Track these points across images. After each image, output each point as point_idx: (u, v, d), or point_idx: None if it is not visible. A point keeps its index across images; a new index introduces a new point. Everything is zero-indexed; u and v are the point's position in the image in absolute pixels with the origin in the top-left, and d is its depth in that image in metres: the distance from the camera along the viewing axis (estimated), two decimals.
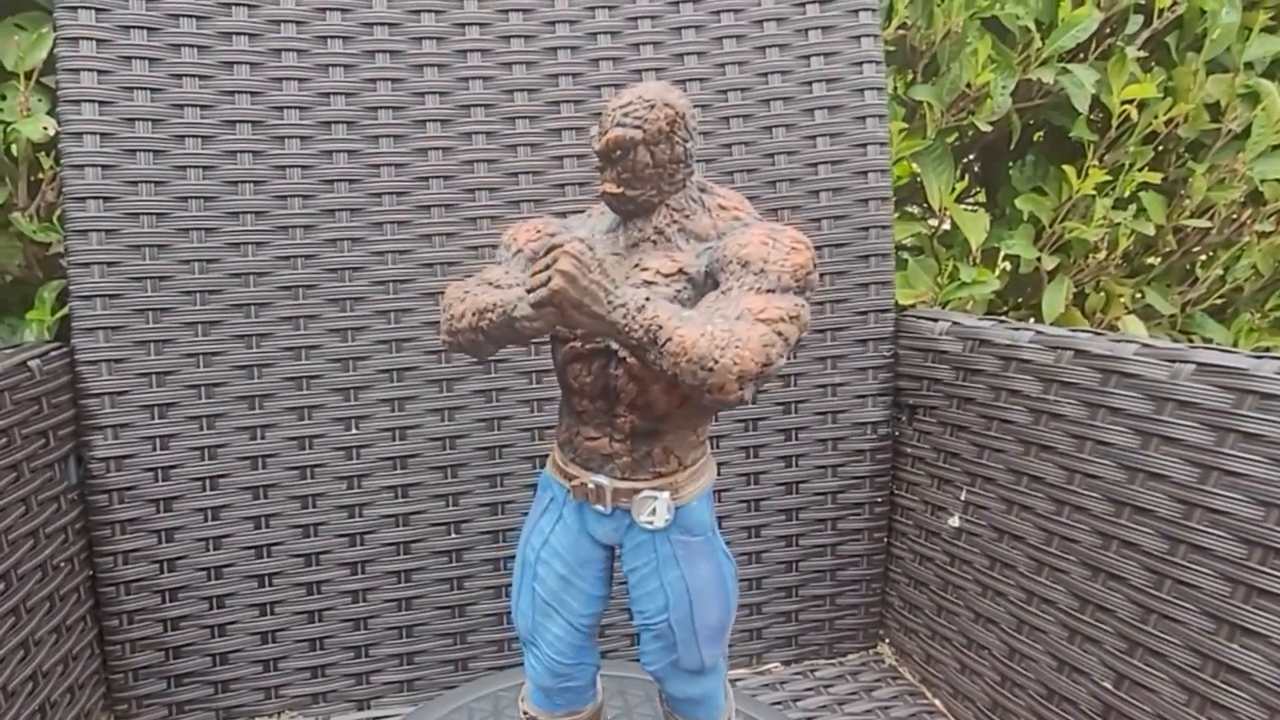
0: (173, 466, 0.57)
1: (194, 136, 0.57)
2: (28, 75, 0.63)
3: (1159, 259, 0.96)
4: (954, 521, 0.58)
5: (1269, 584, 0.39)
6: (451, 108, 0.60)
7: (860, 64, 0.64)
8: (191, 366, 0.57)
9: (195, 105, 0.57)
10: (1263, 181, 0.89)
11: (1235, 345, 0.95)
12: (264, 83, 0.58)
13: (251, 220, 0.58)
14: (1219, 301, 0.98)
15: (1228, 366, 0.42)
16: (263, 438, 0.58)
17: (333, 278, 0.59)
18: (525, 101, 0.61)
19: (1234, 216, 0.92)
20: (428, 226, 0.60)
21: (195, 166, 0.57)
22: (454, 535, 0.61)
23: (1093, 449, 0.48)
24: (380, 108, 0.59)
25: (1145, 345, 0.47)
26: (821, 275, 0.63)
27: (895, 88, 0.83)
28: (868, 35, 0.64)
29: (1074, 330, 0.52)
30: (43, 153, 0.66)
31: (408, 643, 0.61)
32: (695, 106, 0.62)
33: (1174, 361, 0.44)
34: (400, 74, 0.60)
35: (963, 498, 0.58)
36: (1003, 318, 0.60)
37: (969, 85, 0.81)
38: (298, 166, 0.58)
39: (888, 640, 0.67)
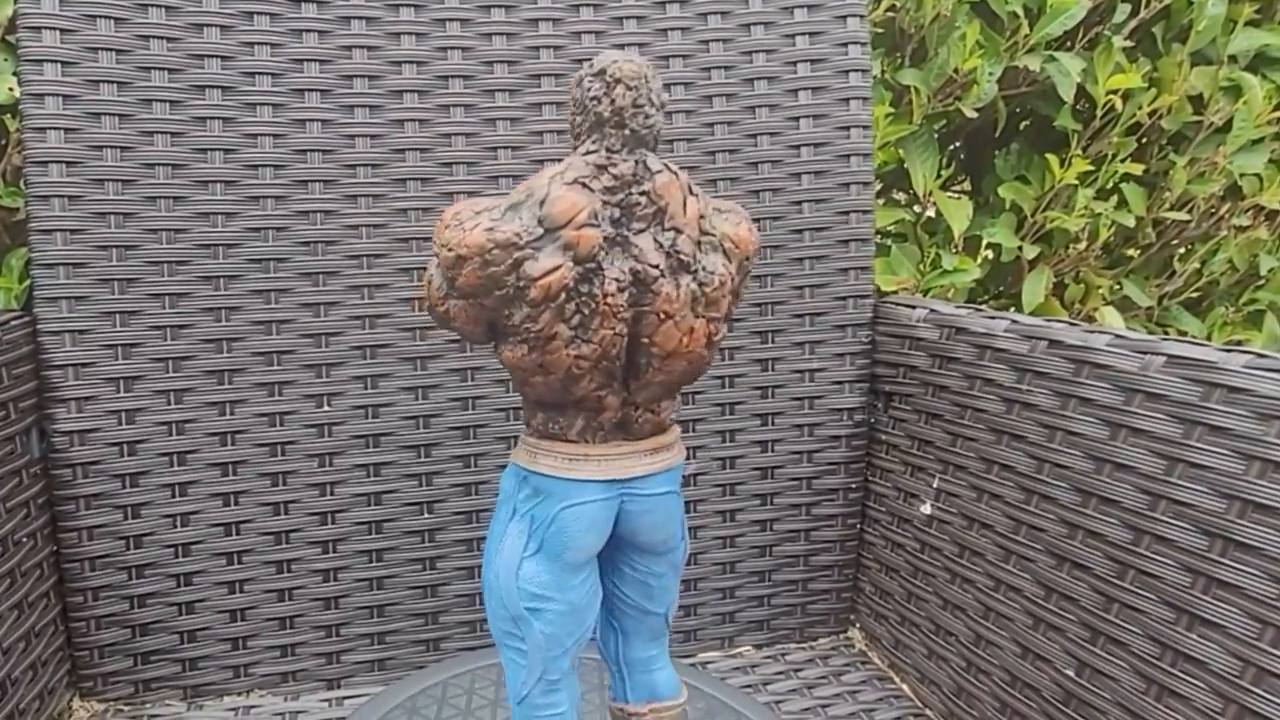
0: (139, 441, 0.56)
1: (161, 101, 0.55)
2: None
3: (1138, 251, 0.97)
4: (926, 509, 0.59)
5: (1228, 575, 0.40)
6: (429, 78, 0.59)
7: (846, 45, 0.63)
8: (158, 339, 0.56)
9: (163, 68, 0.55)
10: (1241, 175, 0.90)
11: (1209, 338, 0.96)
12: (235, 47, 0.56)
13: (221, 189, 0.56)
14: (1195, 295, 0.99)
15: (1197, 359, 0.42)
16: (232, 413, 0.57)
17: (305, 251, 0.58)
18: (505, 74, 0.60)
19: (1212, 210, 0.93)
20: (403, 200, 0.59)
21: (163, 132, 0.55)
22: (427, 515, 0.60)
23: (1063, 439, 0.48)
24: (356, 76, 0.58)
25: (1117, 336, 0.47)
26: (801, 259, 0.63)
27: (882, 71, 0.83)
28: (854, 15, 0.63)
29: (1049, 320, 0.52)
30: (9, 114, 0.64)
31: (379, 622, 0.60)
32: (678, 84, 0.61)
33: (1145, 353, 0.45)
34: (376, 41, 0.58)
35: (935, 485, 0.58)
36: (981, 306, 0.60)
37: (956, 71, 0.80)
38: (269, 135, 0.57)
39: (858, 625, 0.67)
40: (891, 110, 0.81)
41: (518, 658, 0.36)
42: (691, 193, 0.34)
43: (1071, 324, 0.50)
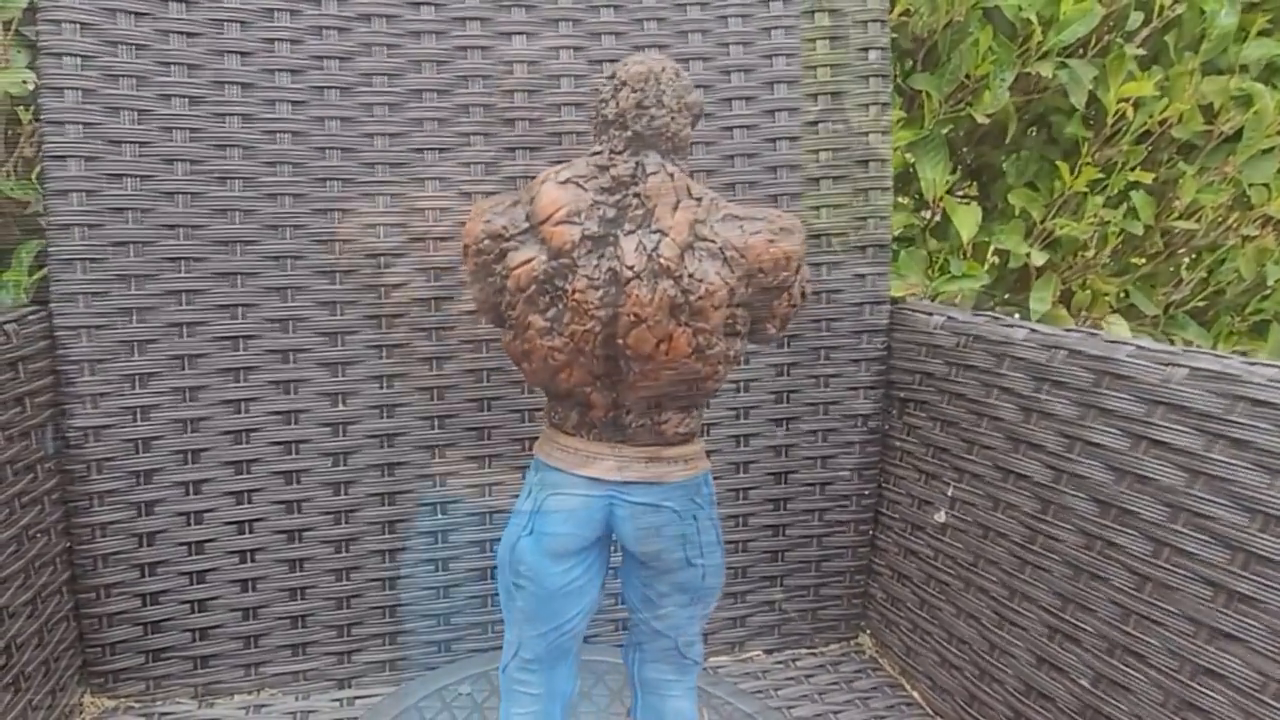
0: (153, 438, 0.55)
1: (180, 96, 0.55)
2: (6, 25, 0.60)
3: (1145, 259, 0.97)
4: (940, 517, 0.59)
5: (1250, 589, 0.40)
6: (448, 77, 0.59)
7: (866, 49, 0.63)
8: (174, 336, 0.55)
9: (182, 64, 0.55)
10: (1250, 185, 0.90)
11: (1215, 348, 0.96)
12: (255, 43, 0.56)
13: (239, 186, 0.56)
14: (1201, 304, 0.99)
15: (1220, 372, 0.42)
16: (246, 411, 0.57)
17: (322, 249, 0.57)
18: (524, 74, 0.60)
19: (1220, 219, 0.93)
20: (421, 199, 0.58)
21: (181, 128, 0.55)
22: (439, 516, 0.60)
23: (1082, 449, 0.49)
24: (375, 74, 0.58)
25: (1139, 347, 0.47)
26: (818, 264, 0.63)
27: (895, 75, 0.83)
28: (875, 20, 0.63)
29: (1068, 329, 0.52)
30: (21, 106, 0.63)
31: (391, 623, 0.60)
32: (697, 87, 0.61)
33: (1167, 365, 0.45)
34: (396, 40, 0.58)
35: (950, 493, 0.58)
36: (999, 314, 0.60)
37: (968, 76, 0.80)
38: (288, 132, 0.56)
39: (869, 632, 0.67)
40: (903, 115, 0.81)
41: (508, 627, 0.38)
42: (692, 196, 0.33)
43: (1091, 333, 0.50)
